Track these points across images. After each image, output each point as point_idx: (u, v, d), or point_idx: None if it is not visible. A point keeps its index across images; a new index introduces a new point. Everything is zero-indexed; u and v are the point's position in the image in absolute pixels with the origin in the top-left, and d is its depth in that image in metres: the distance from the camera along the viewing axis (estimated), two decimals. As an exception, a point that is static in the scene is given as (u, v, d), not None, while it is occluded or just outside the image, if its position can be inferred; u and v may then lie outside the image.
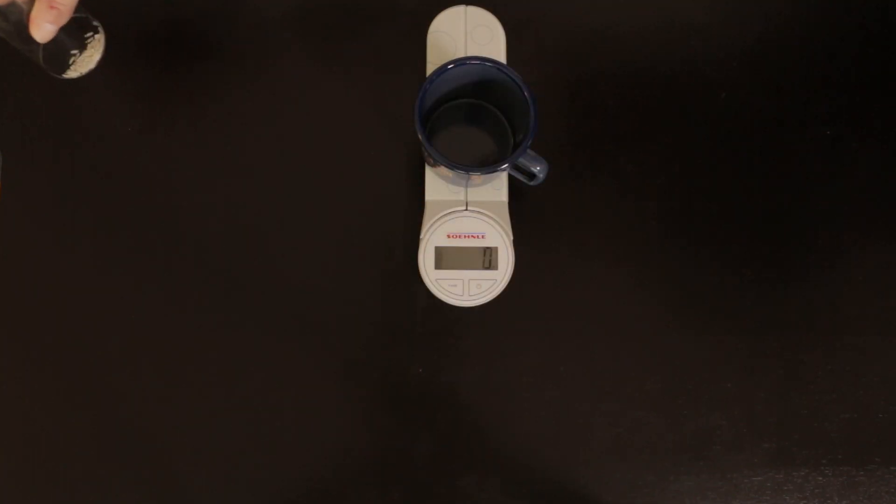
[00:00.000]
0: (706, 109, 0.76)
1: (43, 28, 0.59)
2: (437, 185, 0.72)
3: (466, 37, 0.73)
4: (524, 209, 0.74)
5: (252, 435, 0.71)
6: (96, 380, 0.72)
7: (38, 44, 0.61)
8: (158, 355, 0.72)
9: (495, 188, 0.72)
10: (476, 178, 0.68)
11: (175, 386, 0.72)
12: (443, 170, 0.67)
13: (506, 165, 0.65)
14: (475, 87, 0.70)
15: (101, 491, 0.71)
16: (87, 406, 0.71)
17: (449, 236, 0.71)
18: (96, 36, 0.69)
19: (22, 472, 0.71)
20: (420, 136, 0.65)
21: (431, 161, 0.67)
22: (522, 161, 0.66)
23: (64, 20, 0.60)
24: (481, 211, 0.71)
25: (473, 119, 0.73)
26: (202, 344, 0.72)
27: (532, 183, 0.68)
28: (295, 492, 0.71)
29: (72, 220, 0.73)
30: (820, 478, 0.72)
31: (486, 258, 0.71)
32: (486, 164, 0.67)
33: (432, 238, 0.71)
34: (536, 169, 0.67)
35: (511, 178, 0.73)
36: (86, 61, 0.69)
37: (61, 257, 0.73)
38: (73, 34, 0.67)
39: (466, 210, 0.71)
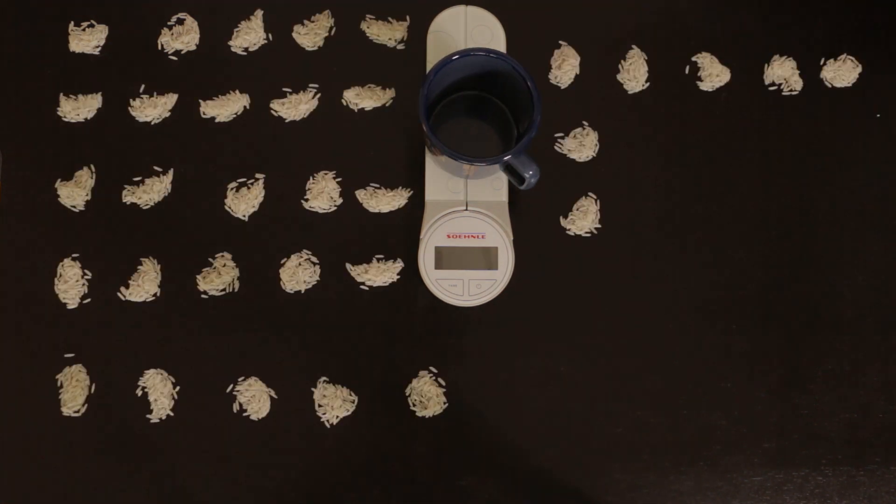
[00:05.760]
0: (706, 110, 0.76)
1: None
2: (437, 185, 0.72)
3: (466, 37, 0.73)
4: (524, 209, 0.74)
5: (252, 435, 0.71)
6: (95, 378, 0.72)
7: None
8: (158, 354, 0.72)
9: (495, 188, 0.72)
10: (473, 169, 0.67)
11: (174, 385, 0.72)
12: (443, 157, 0.67)
13: (507, 157, 0.65)
14: (479, 79, 0.70)
15: (102, 491, 0.71)
16: (87, 406, 0.71)
17: (449, 236, 0.71)
18: None
19: (22, 472, 0.71)
20: (424, 127, 0.65)
21: (432, 149, 0.67)
22: (515, 163, 0.66)
23: None
24: (481, 211, 0.71)
25: (477, 111, 0.73)
26: (201, 343, 0.72)
27: (522, 187, 0.68)
28: (295, 492, 0.71)
29: (72, 219, 0.73)
30: (820, 478, 0.72)
31: (486, 258, 0.71)
32: (490, 156, 0.67)
33: (432, 238, 0.71)
34: (528, 174, 0.66)
35: (511, 178, 0.73)
36: None
37: (61, 256, 0.73)
38: None
39: (466, 210, 0.71)
